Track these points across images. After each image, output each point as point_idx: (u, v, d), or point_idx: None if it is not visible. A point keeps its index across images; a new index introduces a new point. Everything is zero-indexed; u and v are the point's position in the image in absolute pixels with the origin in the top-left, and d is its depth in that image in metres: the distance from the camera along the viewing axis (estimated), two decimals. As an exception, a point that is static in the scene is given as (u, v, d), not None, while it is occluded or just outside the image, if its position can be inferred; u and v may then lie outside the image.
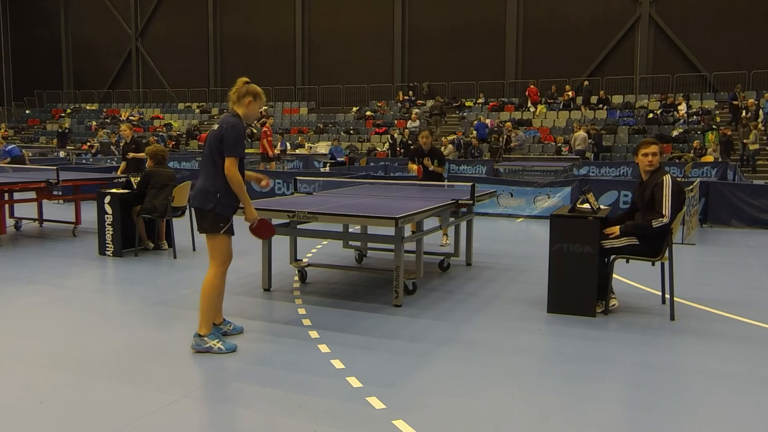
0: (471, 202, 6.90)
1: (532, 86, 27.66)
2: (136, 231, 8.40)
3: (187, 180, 8.91)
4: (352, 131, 28.87)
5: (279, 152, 20.50)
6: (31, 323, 5.35)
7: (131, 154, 11.18)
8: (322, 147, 25.53)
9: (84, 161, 21.10)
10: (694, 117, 24.47)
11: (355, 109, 31.06)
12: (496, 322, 5.50)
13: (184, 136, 30.50)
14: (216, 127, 4.69)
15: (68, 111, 37.52)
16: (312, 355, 4.61)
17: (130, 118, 34.28)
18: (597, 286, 5.63)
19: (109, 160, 20.01)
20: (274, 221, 6.41)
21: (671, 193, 5.44)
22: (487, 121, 26.45)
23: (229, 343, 4.71)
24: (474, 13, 29.62)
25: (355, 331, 5.20)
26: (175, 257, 8.20)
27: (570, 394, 3.98)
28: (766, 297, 6.43)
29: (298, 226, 6.62)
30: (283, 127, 30.30)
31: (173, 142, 28.76)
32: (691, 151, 21.42)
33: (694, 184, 10.59)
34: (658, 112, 25.02)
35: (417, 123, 26.14)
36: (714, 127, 23.34)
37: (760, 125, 22.32)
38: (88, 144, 28.10)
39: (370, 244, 8.22)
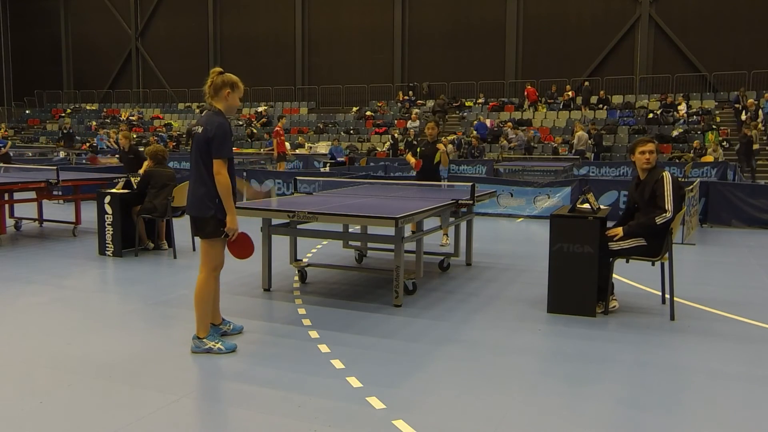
0: (471, 202, 6.90)
1: (529, 87, 27.66)
2: (136, 231, 8.40)
3: (187, 180, 8.88)
4: (352, 131, 28.86)
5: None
6: (31, 323, 5.35)
7: (133, 179, 10.90)
8: (322, 147, 25.52)
9: (84, 161, 21.10)
10: (694, 117, 24.46)
11: (355, 109, 31.05)
12: (496, 322, 5.50)
13: (184, 136, 30.48)
14: (200, 129, 4.48)
15: (68, 111, 37.50)
16: (312, 355, 4.61)
17: (130, 118, 34.28)
18: (597, 286, 5.63)
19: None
20: (274, 221, 6.43)
21: (672, 189, 5.46)
22: (487, 121, 26.45)
23: (228, 343, 4.70)
24: (474, 13, 29.61)
25: (355, 331, 5.20)
26: (175, 257, 8.20)
27: (570, 394, 3.98)
28: (766, 297, 6.43)
29: (298, 226, 6.62)
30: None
31: (174, 143, 28.75)
32: (691, 151, 21.41)
33: (694, 184, 10.58)
34: (658, 112, 25.01)
35: (417, 123, 26.13)
36: (714, 127, 23.34)
37: (760, 125, 22.31)
38: (88, 144, 28.10)
39: (370, 244, 8.22)
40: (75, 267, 7.63)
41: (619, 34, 27.49)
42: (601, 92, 26.98)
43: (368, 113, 30.00)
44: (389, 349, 4.77)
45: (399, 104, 30.27)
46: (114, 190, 8.45)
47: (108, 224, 8.22)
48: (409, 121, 26.80)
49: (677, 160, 20.25)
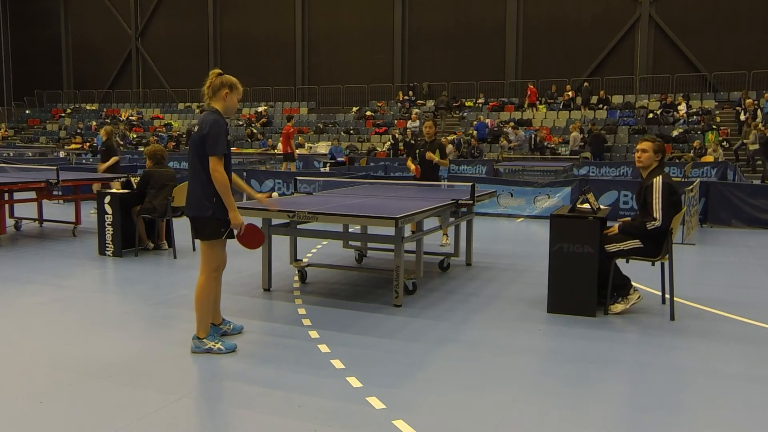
0: (471, 202, 6.91)
1: (531, 86, 27.67)
2: (136, 231, 8.40)
3: (187, 180, 8.89)
4: (352, 131, 28.87)
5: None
6: (31, 323, 5.35)
7: (102, 166, 11.44)
8: (322, 147, 25.53)
9: (84, 161, 21.11)
10: (694, 117, 24.46)
11: (355, 109, 31.05)
12: (496, 322, 5.50)
13: (184, 136, 30.49)
14: (196, 128, 4.52)
15: (68, 111, 37.51)
16: (312, 355, 4.61)
17: (130, 118, 34.28)
18: (613, 284, 5.65)
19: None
20: (274, 221, 6.42)
21: (661, 196, 5.43)
22: (487, 121, 26.45)
23: (228, 342, 4.70)
24: (474, 13, 29.61)
25: (355, 331, 5.20)
26: (175, 257, 8.20)
27: (570, 394, 3.98)
28: (766, 297, 6.43)
29: (298, 226, 6.61)
30: (283, 126, 30.28)
31: (173, 143, 28.75)
32: (691, 151, 21.41)
33: (694, 184, 10.58)
34: (658, 112, 25.01)
35: (417, 123, 26.14)
36: (714, 127, 23.33)
37: (760, 125, 22.30)
38: (88, 144, 28.10)
39: (370, 244, 8.22)
40: (75, 267, 7.63)
41: (619, 34, 27.49)
42: (601, 92, 26.99)
43: (368, 113, 30.00)
44: (389, 349, 4.77)
45: (399, 104, 30.27)
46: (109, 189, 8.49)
47: (108, 224, 8.22)
48: (409, 121, 26.80)
49: (677, 160, 20.25)
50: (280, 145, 21.61)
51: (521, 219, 12.36)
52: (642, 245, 5.56)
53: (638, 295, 5.77)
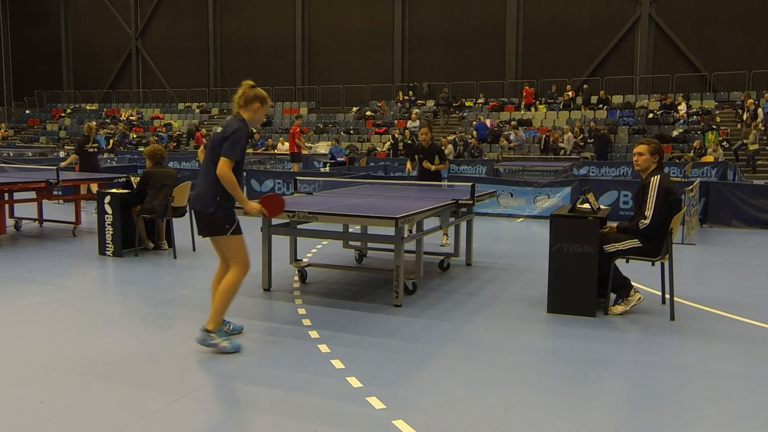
0: (471, 202, 6.91)
1: (527, 87, 27.68)
2: (136, 231, 8.40)
3: (187, 180, 8.90)
4: (352, 131, 28.87)
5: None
6: (31, 323, 5.35)
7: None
8: (322, 147, 25.53)
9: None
10: (694, 117, 24.46)
11: (355, 109, 31.05)
12: (496, 322, 5.50)
13: (184, 136, 30.49)
14: (219, 129, 4.64)
15: (68, 111, 37.51)
16: (312, 355, 4.61)
17: (130, 118, 34.27)
18: (613, 285, 5.65)
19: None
20: (274, 221, 6.42)
21: (656, 195, 5.46)
22: (487, 121, 26.45)
23: (234, 342, 4.70)
24: (474, 13, 29.61)
25: (355, 331, 5.20)
26: (175, 257, 8.20)
27: (570, 394, 3.98)
28: (766, 297, 6.43)
29: (298, 226, 6.61)
30: (283, 127, 30.29)
31: (174, 143, 28.73)
32: (691, 151, 21.42)
33: (694, 184, 10.58)
34: (658, 112, 25.01)
35: (417, 123, 26.14)
36: (714, 127, 23.33)
37: (759, 125, 22.31)
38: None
39: (370, 244, 8.22)
40: (75, 267, 7.63)
41: (619, 34, 27.50)
42: (601, 92, 26.99)
43: (368, 113, 30.00)
44: (389, 349, 4.77)
45: (399, 104, 30.27)
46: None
47: (108, 224, 8.22)
48: (409, 121, 26.80)
49: (677, 160, 20.25)
50: (286, 144, 21.57)
51: (521, 219, 12.36)
52: (641, 245, 5.56)
53: (639, 297, 5.76)
